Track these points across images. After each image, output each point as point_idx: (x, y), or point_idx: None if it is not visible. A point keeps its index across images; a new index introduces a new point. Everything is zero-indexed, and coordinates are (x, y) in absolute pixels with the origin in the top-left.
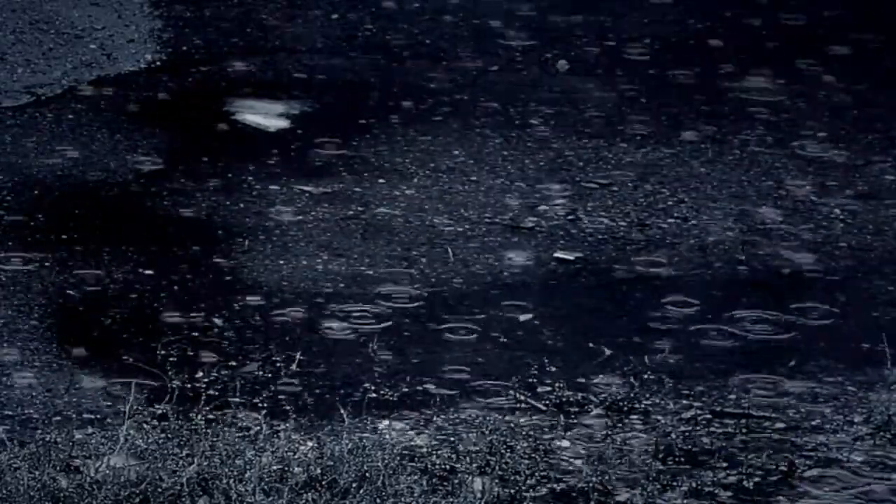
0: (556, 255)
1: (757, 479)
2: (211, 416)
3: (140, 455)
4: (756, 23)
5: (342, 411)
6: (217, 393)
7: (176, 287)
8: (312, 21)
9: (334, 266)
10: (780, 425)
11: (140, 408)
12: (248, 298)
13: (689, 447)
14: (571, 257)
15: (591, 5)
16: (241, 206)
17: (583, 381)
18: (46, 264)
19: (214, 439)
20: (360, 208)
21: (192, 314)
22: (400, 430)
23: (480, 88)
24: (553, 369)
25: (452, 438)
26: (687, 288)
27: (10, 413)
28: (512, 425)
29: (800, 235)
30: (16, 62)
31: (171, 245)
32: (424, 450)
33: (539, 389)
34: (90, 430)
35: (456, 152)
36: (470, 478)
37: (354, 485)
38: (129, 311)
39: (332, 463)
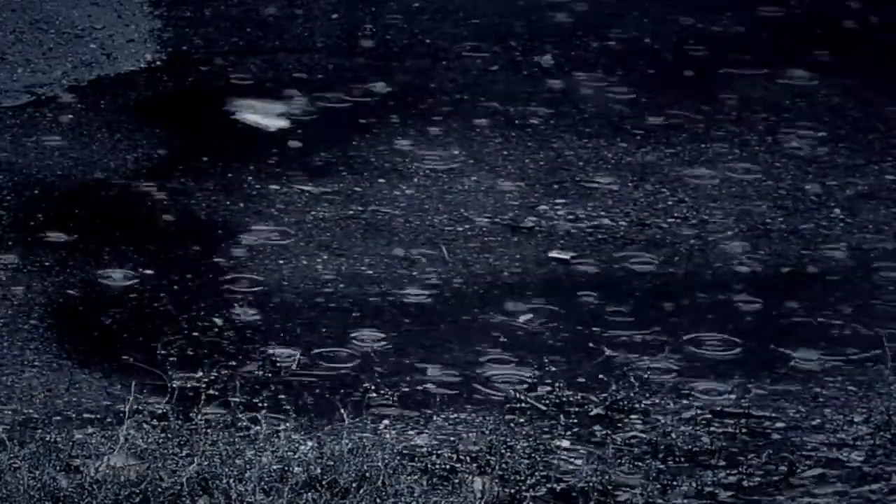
0: (551, 254)
1: (757, 479)
2: (211, 416)
3: (140, 455)
4: (756, 22)
5: (342, 411)
6: (217, 393)
7: (176, 287)
8: (312, 21)
9: (334, 266)
10: (780, 425)
11: (140, 408)
12: (248, 298)
13: (689, 447)
14: (567, 256)
15: (591, 5)
16: (241, 206)
17: (583, 381)
18: (46, 264)
19: (214, 439)
20: (360, 208)
21: (192, 314)
22: (400, 430)
23: (480, 88)
24: (553, 369)
25: (452, 438)
26: (687, 288)
27: (10, 413)
28: (512, 425)
29: (800, 235)
30: (16, 62)
31: (171, 245)
32: (424, 450)
33: (539, 389)
34: (90, 430)
35: (456, 152)
36: (470, 478)
37: (354, 485)
38: (129, 311)
39: (332, 463)
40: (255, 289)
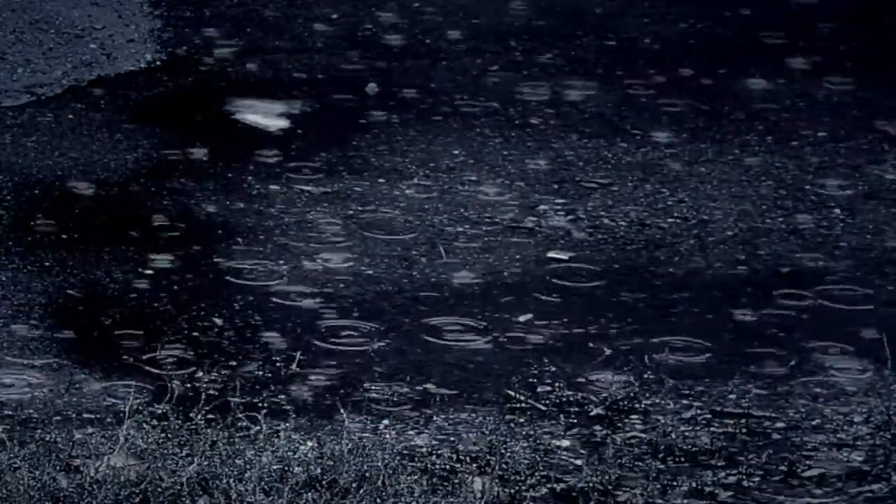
0: (549, 254)
1: (757, 479)
2: (211, 416)
3: (140, 455)
4: (756, 22)
5: (342, 411)
6: (217, 393)
7: (176, 287)
8: (312, 21)
9: (334, 266)
10: (780, 425)
11: (140, 408)
12: (248, 298)
13: (689, 447)
14: (565, 256)
15: (591, 5)
16: (241, 206)
17: (583, 381)
18: (46, 264)
19: (214, 439)
20: (359, 208)
21: (192, 314)
22: (400, 430)
23: (480, 88)
24: (553, 369)
25: (452, 438)
26: (687, 288)
27: (10, 413)
28: (512, 425)
29: (800, 235)
30: (16, 62)
31: (171, 245)
32: (424, 450)
33: (539, 389)
34: (90, 430)
35: (456, 152)
36: (470, 478)
37: (354, 485)
38: (129, 311)
39: (332, 463)
40: (256, 289)
